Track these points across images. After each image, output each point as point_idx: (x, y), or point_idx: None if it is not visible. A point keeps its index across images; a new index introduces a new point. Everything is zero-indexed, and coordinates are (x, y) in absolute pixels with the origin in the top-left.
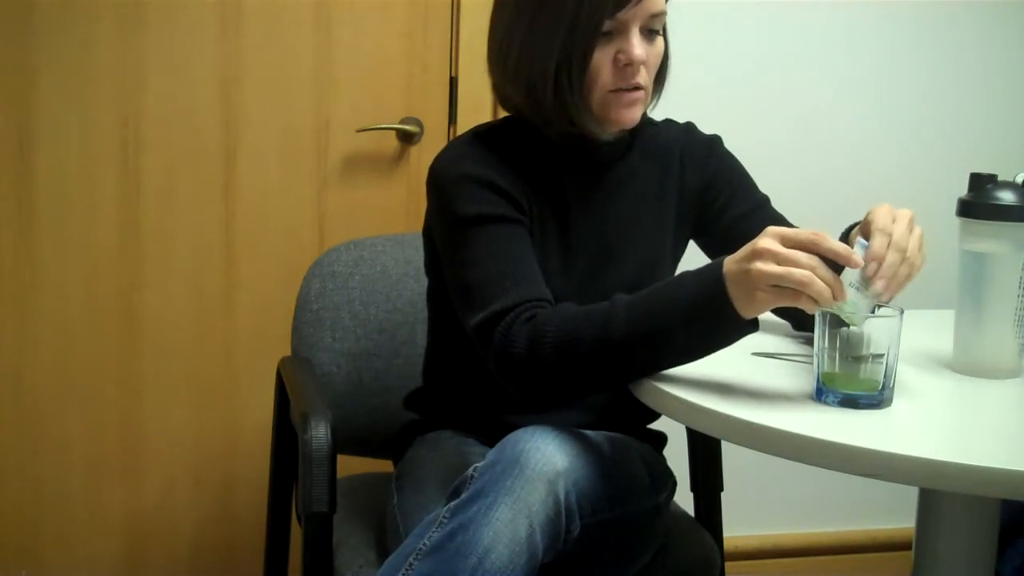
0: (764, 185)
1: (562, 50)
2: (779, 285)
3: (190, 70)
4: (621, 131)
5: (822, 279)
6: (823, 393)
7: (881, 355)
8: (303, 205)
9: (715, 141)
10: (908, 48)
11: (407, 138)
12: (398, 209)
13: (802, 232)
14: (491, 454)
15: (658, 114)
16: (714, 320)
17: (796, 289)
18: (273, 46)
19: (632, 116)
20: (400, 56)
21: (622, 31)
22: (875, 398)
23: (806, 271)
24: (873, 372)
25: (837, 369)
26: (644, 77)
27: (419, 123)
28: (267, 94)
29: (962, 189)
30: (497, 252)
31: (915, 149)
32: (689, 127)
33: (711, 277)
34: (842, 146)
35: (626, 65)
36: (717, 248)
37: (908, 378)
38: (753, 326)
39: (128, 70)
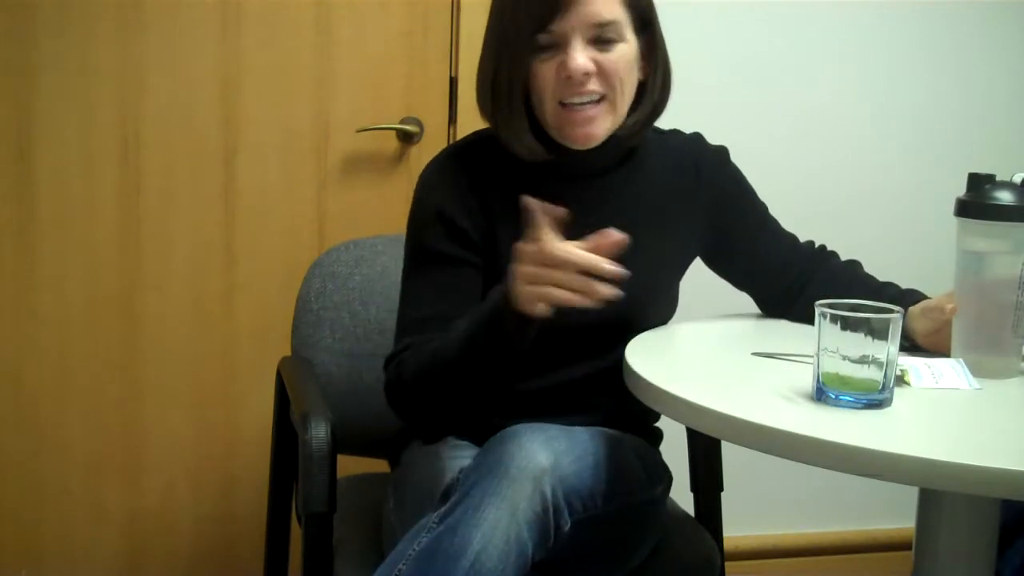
0: (764, 185)
1: (496, 67)
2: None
3: (190, 70)
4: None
5: (562, 280)
6: (823, 393)
7: (881, 355)
8: (303, 205)
9: (725, 154)
10: (908, 48)
11: (407, 138)
12: (398, 209)
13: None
14: (476, 456)
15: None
16: (496, 316)
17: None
18: (273, 46)
19: (588, 133)
20: (400, 56)
21: (563, 43)
22: (875, 398)
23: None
24: (873, 372)
25: (837, 369)
26: (598, 86)
27: (419, 123)
28: (267, 94)
29: (961, 189)
30: (430, 293)
31: (915, 149)
32: (698, 137)
33: (501, 289)
34: (842, 146)
35: (567, 77)
36: (729, 268)
37: (907, 377)
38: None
39: (128, 70)
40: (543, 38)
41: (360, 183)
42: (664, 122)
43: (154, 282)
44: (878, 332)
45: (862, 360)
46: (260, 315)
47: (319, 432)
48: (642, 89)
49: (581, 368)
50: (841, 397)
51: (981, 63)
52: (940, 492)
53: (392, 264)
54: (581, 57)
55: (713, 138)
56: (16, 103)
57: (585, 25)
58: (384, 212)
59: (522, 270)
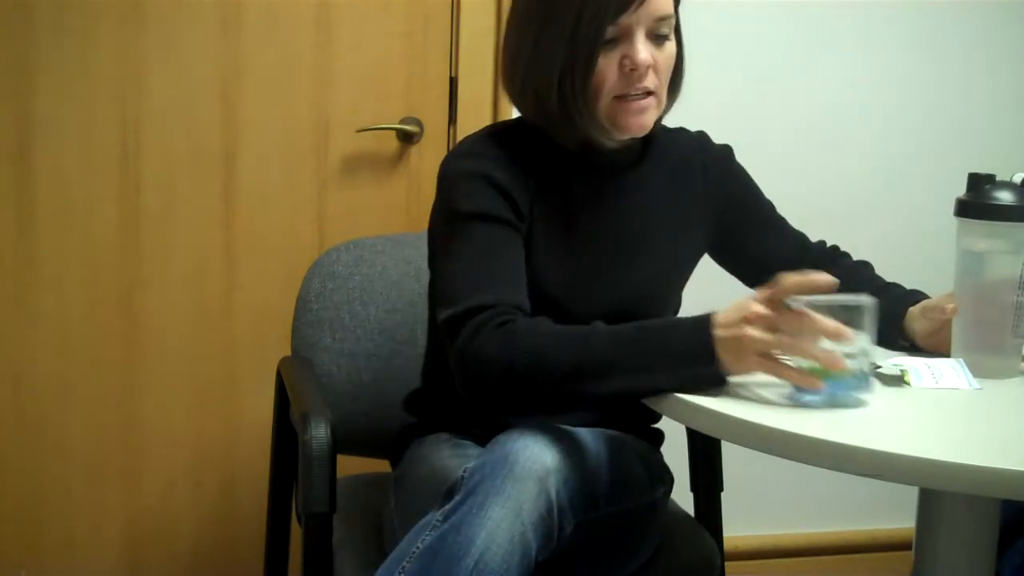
0: (769, 185)
1: (566, 58)
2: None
3: (190, 70)
4: (631, 139)
5: (809, 352)
6: (803, 390)
7: (858, 347)
8: (303, 205)
9: (730, 153)
10: (908, 49)
11: (407, 138)
12: (398, 209)
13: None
14: (481, 455)
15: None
16: (698, 376)
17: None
18: (273, 46)
19: (642, 123)
20: (400, 56)
21: (626, 36)
22: (854, 385)
23: (794, 341)
24: (850, 363)
25: (814, 362)
26: (653, 81)
27: (419, 123)
28: (267, 94)
29: (962, 189)
30: (483, 252)
31: (918, 150)
32: (703, 136)
33: (701, 337)
34: (846, 147)
35: (631, 70)
36: (739, 266)
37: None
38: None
39: (128, 70)
40: (611, 30)
41: (360, 183)
42: (671, 122)
43: (154, 282)
44: (851, 323)
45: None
46: (260, 315)
47: (319, 432)
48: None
49: None
50: (822, 392)
51: (985, 64)
52: (940, 492)
53: (392, 264)
54: (644, 51)
55: (718, 138)
56: (16, 103)
57: (650, 19)
58: (384, 212)
59: (753, 335)
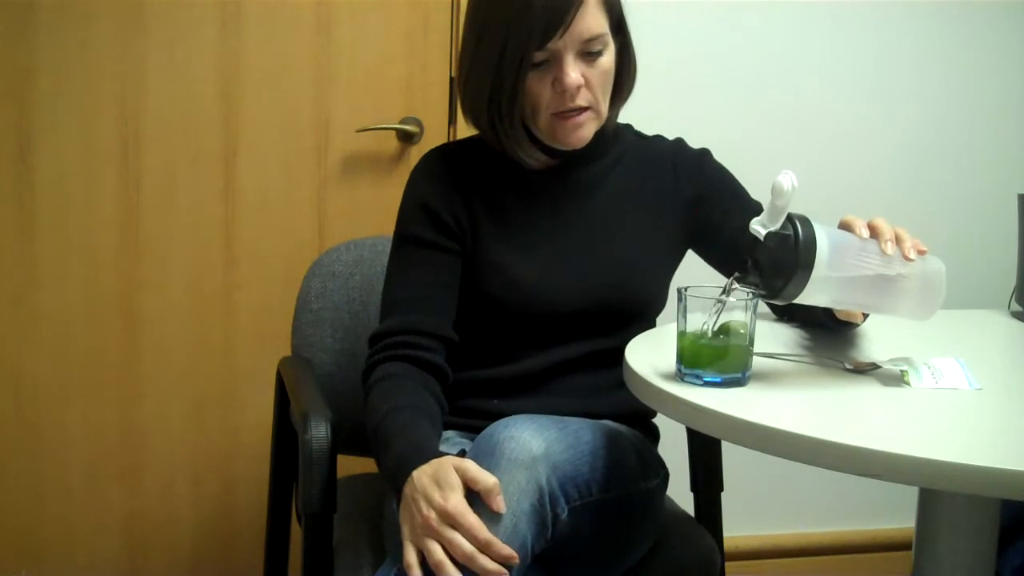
0: (755, 188)
1: (493, 83)
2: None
3: (190, 70)
4: (562, 158)
5: (427, 548)
6: (685, 374)
7: (742, 336)
8: (303, 205)
9: (706, 153)
10: (906, 49)
11: (407, 138)
12: (398, 209)
13: (460, 511)
14: (469, 451)
15: (654, 114)
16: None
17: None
18: (273, 46)
19: (580, 136)
20: (400, 56)
21: (556, 59)
22: (735, 377)
23: (435, 545)
24: (736, 354)
25: (699, 351)
26: (587, 98)
27: (419, 123)
28: (267, 94)
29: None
30: (409, 276)
31: (913, 149)
32: (678, 141)
33: (399, 480)
34: (835, 148)
35: (562, 91)
36: (721, 259)
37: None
38: None
39: (128, 70)
40: (539, 55)
41: (360, 183)
42: (655, 121)
43: (154, 282)
44: (738, 315)
45: (722, 340)
46: (260, 315)
47: (319, 432)
48: (616, 79)
49: (571, 350)
50: (706, 378)
51: (975, 62)
52: (940, 492)
53: None
54: (574, 72)
55: (702, 137)
56: (16, 103)
57: (577, 42)
58: (384, 212)
59: (426, 517)
